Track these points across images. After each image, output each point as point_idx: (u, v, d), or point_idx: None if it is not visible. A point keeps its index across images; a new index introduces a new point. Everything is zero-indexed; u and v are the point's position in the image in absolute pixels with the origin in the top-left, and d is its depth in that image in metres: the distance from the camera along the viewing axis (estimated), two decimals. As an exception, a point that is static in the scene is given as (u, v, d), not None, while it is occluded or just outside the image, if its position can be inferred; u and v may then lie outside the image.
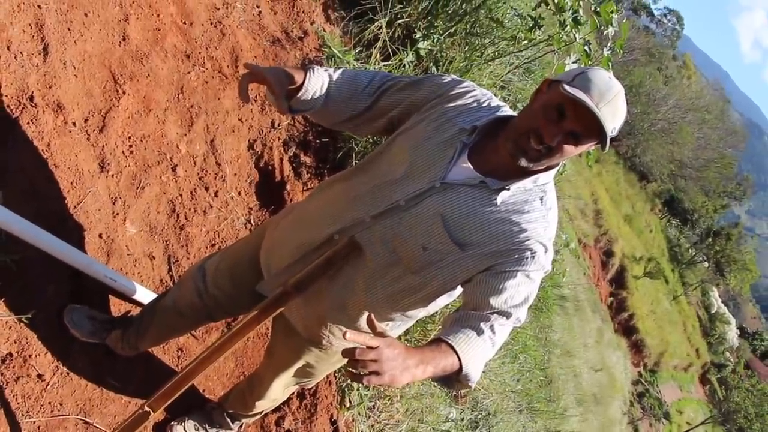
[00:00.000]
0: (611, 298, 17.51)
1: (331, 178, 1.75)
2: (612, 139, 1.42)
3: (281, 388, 1.98)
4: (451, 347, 1.32)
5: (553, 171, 1.49)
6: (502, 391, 4.80)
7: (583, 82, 1.34)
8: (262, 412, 2.20)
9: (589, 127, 1.33)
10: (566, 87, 1.33)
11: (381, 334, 1.19)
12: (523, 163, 1.40)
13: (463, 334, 1.36)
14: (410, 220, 1.46)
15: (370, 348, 1.14)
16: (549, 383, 6.92)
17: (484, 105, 1.53)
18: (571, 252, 11.04)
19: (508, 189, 1.43)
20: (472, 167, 1.45)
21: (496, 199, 1.43)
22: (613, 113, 1.33)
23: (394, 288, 1.52)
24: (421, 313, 1.67)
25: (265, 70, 1.47)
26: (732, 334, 33.76)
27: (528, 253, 1.43)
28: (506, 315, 1.43)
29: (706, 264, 33.46)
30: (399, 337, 3.27)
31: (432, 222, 1.44)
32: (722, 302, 35.82)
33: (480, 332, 1.38)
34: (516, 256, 1.43)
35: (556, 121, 1.36)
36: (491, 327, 1.40)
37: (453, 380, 1.39)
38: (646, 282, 21.40)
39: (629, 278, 18.75)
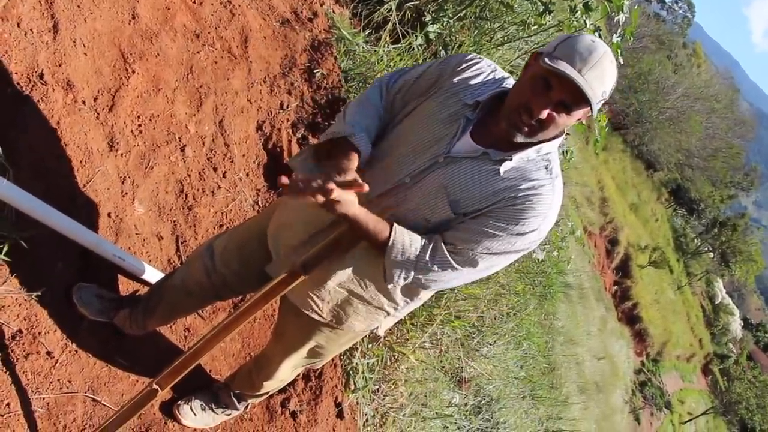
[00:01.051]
0: (615, 287, 17.52)
1: None
2: (609, 106, 1.44)
3: (290, 368, 1.99)
4: (392, 226, 1.44)
5: (557, 141, 1.48)
6: (505, 378, 4.82)
7: (564, 50, 1.34)
8: (269, 392, 2.21)
9: (575, 95, 1.33)
10: (546, 60, 1.33)
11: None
12: (519, 138, 1.41)
13: (410, 232, 1.47)
14: (415, 196, 1.48)
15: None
16: (552, 370, 6.94)
17: (489, 78, 1.53)
18: (577, 240, 11.04)
19: (511, 159, 1.43)
20: (474, 141, 1.46)
21: (498, 169, 1.43)
22: (600, 77, 1.33)
23: None
24: (422, 292, 1.67)
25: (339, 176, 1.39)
26: (735, 325, 33.76)
27: (523, 209, 1.42)
28: (462, 253, 1.45)
29: (711, 254, 33.40)
30: (404, 320, 3.28)
31: (435, 195, 1.46)
32: (726, 293, 35.81)
33: (427, 239, 1.47)
34: (510, 209, 1.43)
35: (543, 93, 1.36)
36: (436, 246, 1.46)
37: (379, 253, 1.47)
38: (650, 271, 21.39)
39: (634, 267, 18.74)
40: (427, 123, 1.50)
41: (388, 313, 1.71)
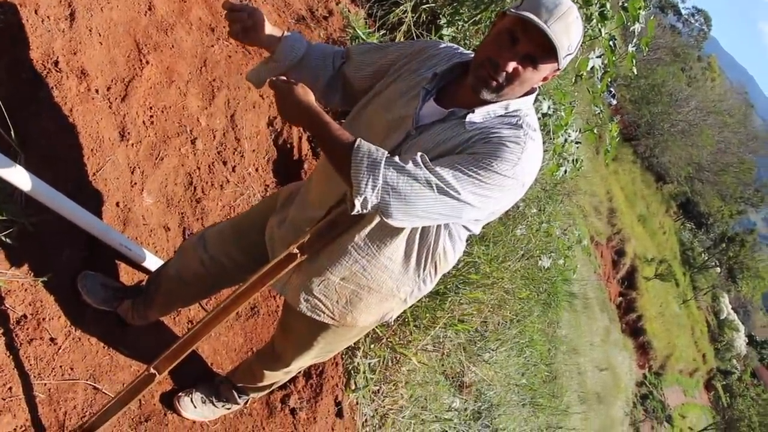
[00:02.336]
0: (620, 298, 17.44)
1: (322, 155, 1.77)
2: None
3: (301, 364, 2.00)
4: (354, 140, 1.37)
5: (529, 98, 1.47)
6: (506, 384, 4.80)
7: (530, 2, 1.35)
8: (271, 384, 2.21)
9: (542, 45, 1.33)
10: (512, 10, 1.35)
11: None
12: (485, 95, 1.41)
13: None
14: None
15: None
16: (553, 379, 6.91)
17: (450, 54, 1.55)
18: (583, 249, 10.99)
19: (473, 112, 1.42)
20: (438, 106, 1.47)
21: (464, 123, 1.43)
22: (565, 29, 1.33)
23: (393, 234, 1.54)
24: (431, 274, 1.65)
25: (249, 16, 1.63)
26: (740, 342, 33.53)
27: (495, 155, 1.36)
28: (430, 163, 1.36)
29: (718, 269, 33.21)
30: (407, 321, 3.27)
31: None
32: (732, 309, 35.57)
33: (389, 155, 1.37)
34: (481, 147, 1.39)
35: (509, 47, 1.37)
36: (406, 159, 1.35)
37: (338, 160, 1.38)
38: (656, 284, 21.29)
39: (640, 279, 18.66)
40: (394, 104, 1.52)
41: (399, 298, 1.70)
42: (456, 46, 1.59)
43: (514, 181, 1.39)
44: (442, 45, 1.60)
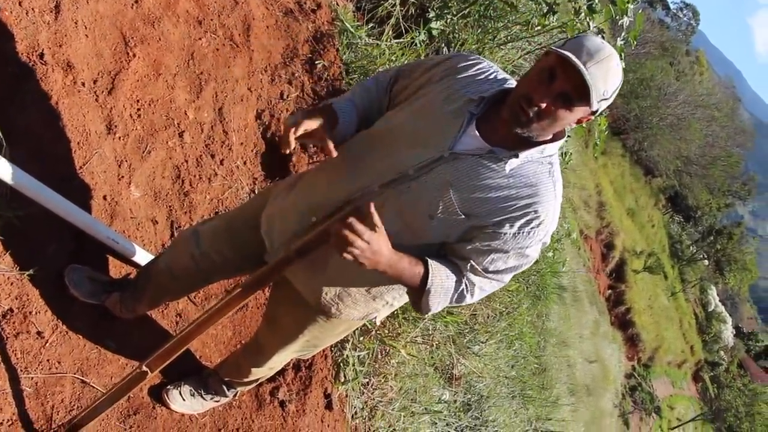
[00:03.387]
0: (609, 291, 17.54)
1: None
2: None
3: (283, 358, 2.00)
4: (426, 265, 1.48)
5: (559, 143, 1.49)
6: (495, 376, 4.82)
7: (573, 44, 1.37)
8: (258, 379, 2.21)
9: (577, 86, 1.34)
10: (554, 48, 1.37)
11: (376, 226, 1.38)
12: (518, 129, 1.42)
13: (442, 264, 1.51)
14: (418, 189, 1.47)
15: (368, 231, 1.37)
16: (543, 371, 6.95)
17: (490, 77, 1.55)
18: (572, 242, 11.04)
19: (517, 157, 1.44)
20: (480, 137, 1.46)
21: (504, 168, 1.44)
22: (603, 75, 1.34)
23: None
24: None
25: (305, 121, 1.47)
26: (728, 334, 33.86)
27: (529, 225, 1.46)
28: (486, 275, 1.53)
29: (706, 262, 33.49)
30: (396, 314, 3.29)
31: (440, 192, 1.45)
32: (720, 301, 35.89)
33: (457, 274, 1.52)
34: (517, 224, 1.45)
35: (546, 84, 1.38)
36: (468, 278, 1.52)
37: (414, 295, 1.55)
38: (645, 276, 21.43)
39: (628, 272, 18.77)
40: (431, 115, 1.50)
41: (387, 302, 1.72)
42: (495, 66, 1.58)
43: (546, 241, 1.54)
44: (483, 64, 1.58)
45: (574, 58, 1.32)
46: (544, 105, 1.37)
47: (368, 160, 1.54)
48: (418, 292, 1.51)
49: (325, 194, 1.59)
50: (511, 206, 1.44)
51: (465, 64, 1.56)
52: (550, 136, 1.47)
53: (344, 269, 1.60)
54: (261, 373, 2.12)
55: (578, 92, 1.35)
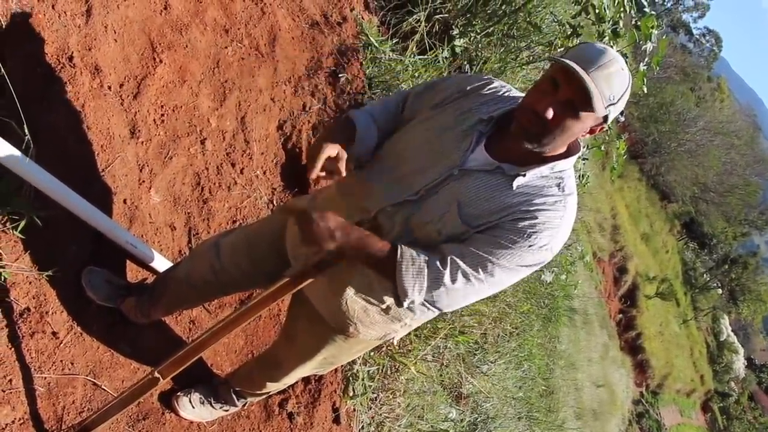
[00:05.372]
0: (620, 315, 17.37)
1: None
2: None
3: (299, 374, 1.99)
4: (395, 248, 1.45)
5: (572, 159, 1.47)
6: (503, 397, 4.78)
7: (574, 52, 1.37)
8: (270, 392, 2.21)
9: (579, 93, 1.32)
10: (555, 57, 1.35)
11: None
12: (527, 144, 1.40)
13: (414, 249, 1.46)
14: (428, 207, 1.47)
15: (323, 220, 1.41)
16: (550, 393, 6.88)
17: (504, 96, 1.54)
18: (585, 265, 10.96)
19: (524, 175, 1.42)
20: (488, 156, 1.45)
21: (512, 184, 1.42)
22: (606, 78, 1.32)
23: None
24: None
25: (328, 145, 1.47)
26: (739, 364, 33.35)
27: (532, 227, 1.41)
28: (474, 260, 1.44)
29: (719, 291, 33.06)
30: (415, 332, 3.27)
31: (448, 208, 1.45)
32: (732, 331, 35.40)
33: (434, 251, 1.45)
34: (519, 224, 1.41)
35: (551, 93, 1.36)
36: (451, 256, 1.43)
37: (387, 275, 1.48)
38: (657, 302, 21.20)
39: (640, 297, 18.58)
40: (442, 136, 1.50)
41: (405, 323, 1.70)
42: (507, 86, 1.57)
43: (550, 253, 1.47)
44: (495, 83, 1.57)
45: (573, 64, 1.30)
46: (550, 115, 1.35)
47: (381, 181, 1.54)
48: (390, 270, 1.45)
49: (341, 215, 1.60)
50: (516, 210, 1.42)
51: (476, 84, 1.57)
52: (564, 150, 1.45)
53: (362, 289, 1.60)
54: (275, 387, 2.11)
55: (582, 99, 1.33)
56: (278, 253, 1.76)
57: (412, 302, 1.47)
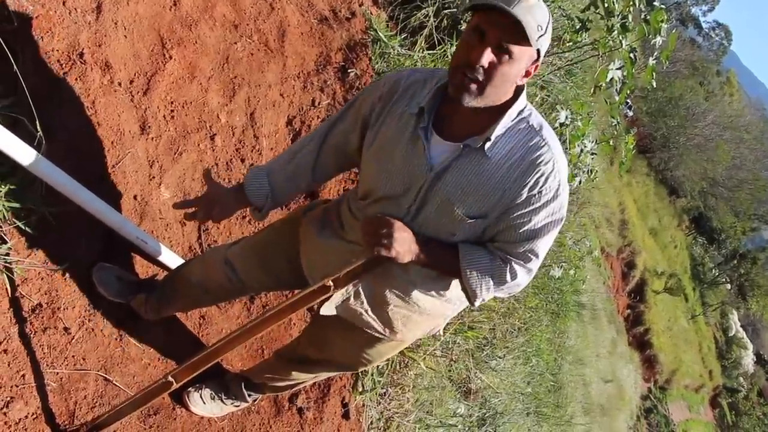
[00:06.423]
0: (628, 311, 17.31)
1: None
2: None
3: (334, 374, 2.01)
4: (457, 251, 1.49)
5: (522, 98, 1.44)
6: (511, 392, 4.78)
7: None
8: (297, 384, 2.18)
9: (508, 29, 1.29)
10: (474, 3, 1.33)
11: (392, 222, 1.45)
12: (468, 100, 1.36)
13: (474, 248, 1.51)
14: (426, 220, 1.48)
15: (387, 226, 1.43)
16: (558, 389, 6.87)
17: (419, 80, 1.52)
18: (593, 260, 10.93)
19: (490, 138, 1.39)
20: (447, 141, 1.43)
21: (485, 154, 1.40)
22: (527, 10, 1.28)
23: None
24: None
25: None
26: (748, 360, 33.19)
27: (543, 177, 1.41)
28: (520, 248, 1.48)
29: (728, 286, 32.91)
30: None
31: (444, 210, 1.45)
32: (741, 326, 35.22)
33: (491, 251, 1.50)
34: (530, 183, 1.41)
35: (478, 42, 1.33)
36: (501, 255, 1.50)
37: (453, 275, 1.55)
38: (665, 298, 21.11)
39: (649, 292, 18.51)
40: (393, 152, 1.48)
41: (446, 316, 1.75)
42: (418, 69, 1.56)
43: (565, 191, 1.47)
44: (405, 72, 1.55)
45: (493, 1, 1.27)
46: (486, 61, 1.32)
47: (371, 211, 1.56)
48: (456, 273, 1.51)
49: (350, 248, 1.62)
50: (515, 176, 1.40)
51: (390, 85, 1.54)
52: (509, 96, 1.42)
53: (403, 297, 1.60)
54: (303, 378, 2.10)
55: (512, 34, 1.29)
56: (296, 272, 1.78)
57: (483, 300, 1.55)
